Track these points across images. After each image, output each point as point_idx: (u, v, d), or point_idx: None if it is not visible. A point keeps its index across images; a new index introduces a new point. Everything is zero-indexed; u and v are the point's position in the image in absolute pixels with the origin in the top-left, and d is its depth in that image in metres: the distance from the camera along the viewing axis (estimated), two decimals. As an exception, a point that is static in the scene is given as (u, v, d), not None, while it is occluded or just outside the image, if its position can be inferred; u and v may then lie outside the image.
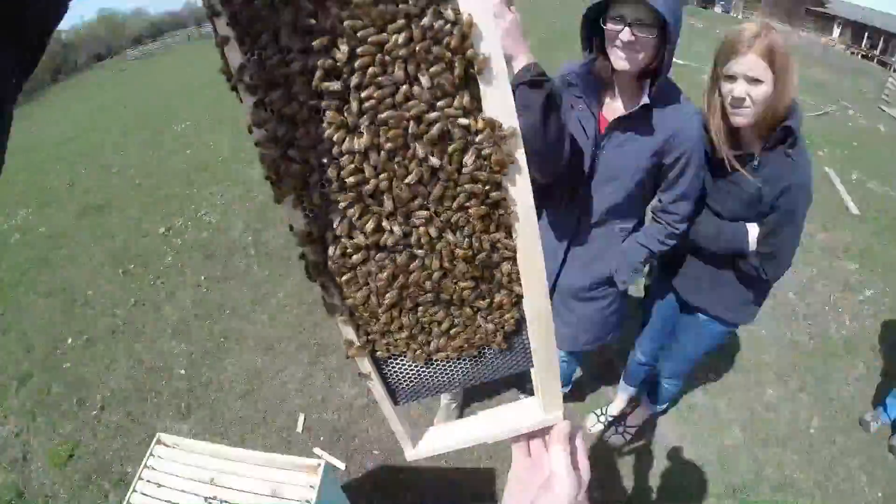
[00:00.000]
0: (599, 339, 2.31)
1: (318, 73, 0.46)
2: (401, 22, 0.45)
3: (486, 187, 0.51)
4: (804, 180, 1.80)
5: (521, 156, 0.50)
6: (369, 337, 0.62)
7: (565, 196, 1.95)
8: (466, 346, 0.62)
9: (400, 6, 0.44)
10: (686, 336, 2.49)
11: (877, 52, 30.52)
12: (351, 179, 0.50)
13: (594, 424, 3.15)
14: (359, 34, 0.45)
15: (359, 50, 0.45)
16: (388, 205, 0.51)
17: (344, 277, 0.57)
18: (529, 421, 0.66)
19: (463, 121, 0.48)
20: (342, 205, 0.52)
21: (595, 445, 3.11)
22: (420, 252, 0.55)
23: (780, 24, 28.57)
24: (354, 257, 0.55)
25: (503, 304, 0.59)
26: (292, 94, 0.47)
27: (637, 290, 2.10)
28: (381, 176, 0.50)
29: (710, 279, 2.17)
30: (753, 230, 1.91)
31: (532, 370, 0.65)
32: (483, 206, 0.52)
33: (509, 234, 0.54)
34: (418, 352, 0.62)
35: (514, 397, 3.19)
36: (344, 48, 0.45)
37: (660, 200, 1.91)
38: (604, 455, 3.09)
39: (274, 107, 0.47)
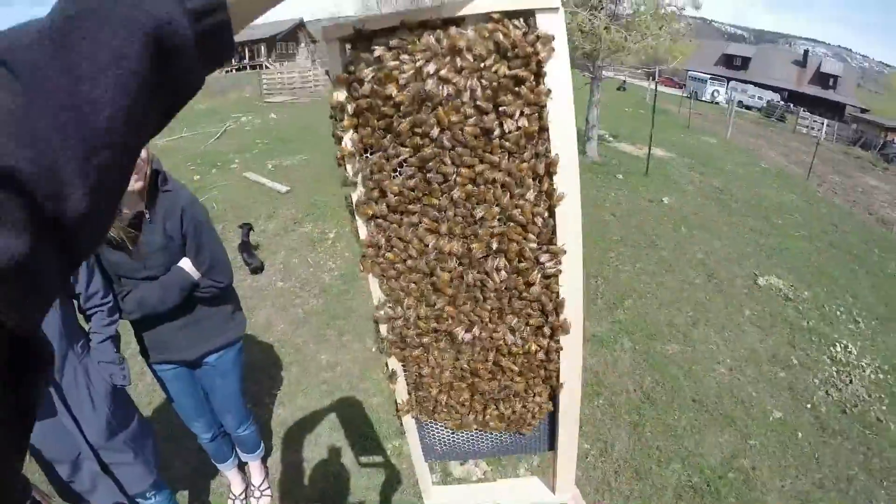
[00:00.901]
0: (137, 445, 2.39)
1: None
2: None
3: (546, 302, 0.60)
4: (189, 197, 2.21)
5: (577, 275, 0.59)
6: (420, 403, 0.72)
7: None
8: (501, 425, 0.72)
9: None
10: (217, 384, 2.65)
11: (248, 62, 40.20)
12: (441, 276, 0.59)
13: None
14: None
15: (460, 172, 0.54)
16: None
17: (413, 352, 0.66)
18: (544, 499, 0.75)
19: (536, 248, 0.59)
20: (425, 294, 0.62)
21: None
22: (478, 345, 0.64)
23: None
24: (424, 339, 0.64)
25: (541, 395, 0.68)
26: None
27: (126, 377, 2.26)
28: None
29: (190, 326, 2.38)
30: (185, 263, 2.22)
31: (556, 454, 0.74)
32: (538, 319, 0.61)
33: (556, 339, 0.63)
34: (457, 423, 0.72)
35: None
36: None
37: (78, 296, 2.09)
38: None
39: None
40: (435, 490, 0.82)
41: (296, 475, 3.43)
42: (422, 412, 0.73)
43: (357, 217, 0.60)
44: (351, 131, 0.56)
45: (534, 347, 0.63)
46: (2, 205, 0.32)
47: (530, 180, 0.53)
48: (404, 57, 0.50)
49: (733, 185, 11.40)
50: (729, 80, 41.22)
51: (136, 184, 1.96)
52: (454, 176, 0.54)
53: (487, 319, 0.61)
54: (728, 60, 50.49)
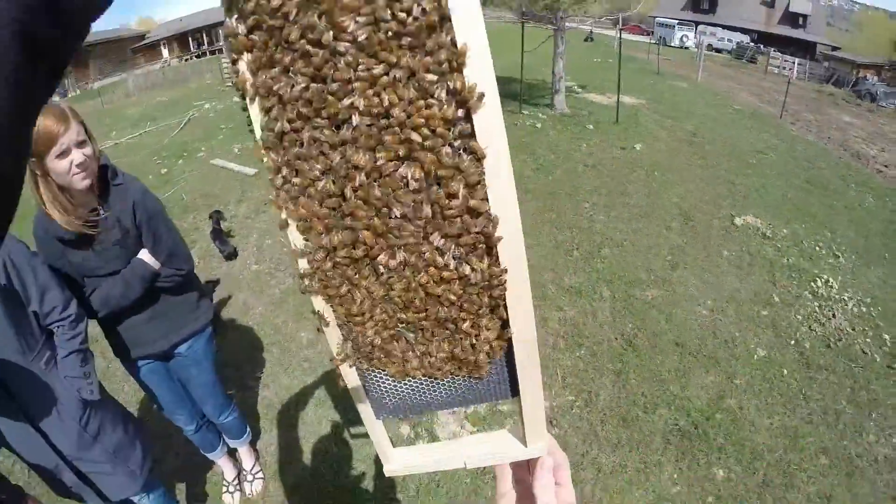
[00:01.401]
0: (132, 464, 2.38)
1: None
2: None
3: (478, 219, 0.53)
4: (140, 188, 2.22)
5: (509, 184, 0.52)
6: (356, 349, 0.66)
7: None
8: (448, 368, 0.65)
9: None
10: (192, 374, 2.66)
11: (207, 47, 41.61)
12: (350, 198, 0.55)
13: (231, 499, 3.18)
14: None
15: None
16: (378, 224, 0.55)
17: (339, 289, 0.61)
18: (514, 452, 0.69)
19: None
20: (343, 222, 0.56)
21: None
22: (407, 272, 0.58)
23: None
24: (348, 271, 0.59)
25: (490, 329, 0.61)
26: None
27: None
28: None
29: (157, 318, 2.40)
30: (144, 254, 2.23)
31: (521, 402, 0.67)
32: (472, 236, 0.54)
33: (497, 262, 0.55)
34: (399, 368, 0.66)
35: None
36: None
37: (36, 313, 2.02)
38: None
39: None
40: (395, 452, 0.77)
41: (287, 455, 3.40)
42: (360, 359, 0.67)
43: (260, 141, 0.56)
44: (245, 55, 0.53)
45: (468, 269, 0.55)
46: None
47: (434, 76, 0.48)
48: None
49: (706, 129, 11.42)
50: (697, 24, 41.12)
51: (83, 182, 1.95)
52: (353, 82, 0.49)
53: (412, 241, 0.56)
54: (695, 4, 50.25)
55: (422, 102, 0.49)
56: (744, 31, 42.17)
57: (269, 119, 0.54)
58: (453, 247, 0.55)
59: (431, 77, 0.48)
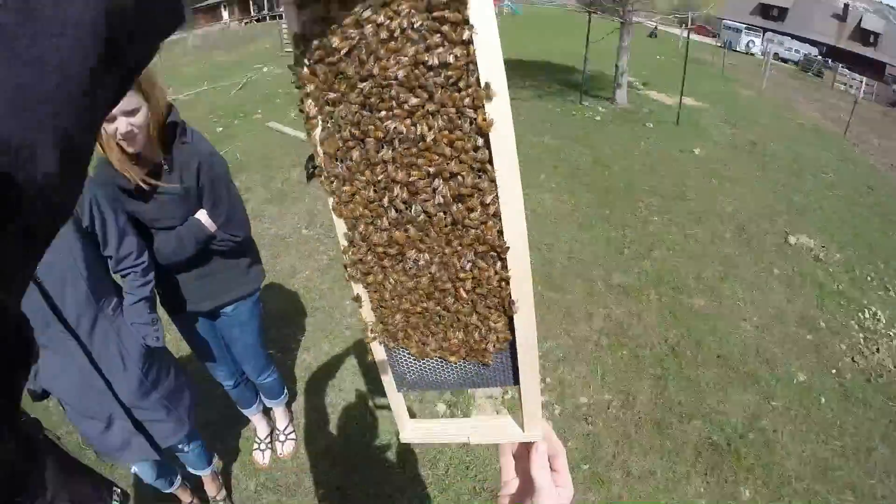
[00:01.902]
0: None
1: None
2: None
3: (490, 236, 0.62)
4: (208, 149, 2.18)
5: (518, 203, 0.60)
6: (385, 329, 0.75)
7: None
8: (461, 353, 0.73)
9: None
10: (235, 334, 2.65)
11: (268, 12, 40.90)
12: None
13: (262, 457, 3.18)
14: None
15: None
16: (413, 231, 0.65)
17: (375, 277, 0.70)
18: (512, 434, 0.77)
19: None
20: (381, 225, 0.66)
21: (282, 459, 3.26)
22: (431, 270, 0.67)
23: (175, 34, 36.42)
24: (384, 262, 0.69)
25: (497, 323, 0.68)
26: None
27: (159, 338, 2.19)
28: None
29: (205, 279, 2.37)
30: (202, 215, 2.19)
31: (520, 391, 0.75)
32: (485, 245, 0.63)
33: (504, 268, 0.64)
34: (419, 349, 0.75)
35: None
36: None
37: (109, 258, 2.03)
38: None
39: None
40: (410, 422, 0.86)
41: (320, 419, 3.40)
42: (388, 338, 0.77)
43: (322, 151, 0.65)
44: (309, 85, 0.61)
45: (480, 273, 0.65)
46: None
47: (455, 110, 0.57)
48: (344, 12, 0.56)
49: (767, 140, 10.98)
50: (765, 30, 39.57)
51: (129, 149, 1.93)
52: (394, 110, 0.58)
53: (435, 245, 0.65)
54: (764, 10, 48.34)
55: (448, 132, 0.57)
56: (812, 42, 40.48)
57: (326, 134, 0.64)
58: (469, 252, 0.64)
59: (458, 112, 0.56)
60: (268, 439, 3.21)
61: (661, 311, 4.67)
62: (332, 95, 0.60)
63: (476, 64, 0.54)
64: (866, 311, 5.30)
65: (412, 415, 0.86)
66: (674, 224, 6.27)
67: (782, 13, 47.50)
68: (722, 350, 4.30)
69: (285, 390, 3.17)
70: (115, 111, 1.80)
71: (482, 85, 0.54)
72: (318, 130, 0.64)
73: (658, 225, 6.21)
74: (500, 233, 0.62)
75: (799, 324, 4.88)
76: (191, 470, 2.73)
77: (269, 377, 2.95)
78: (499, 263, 0.64)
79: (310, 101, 0.62)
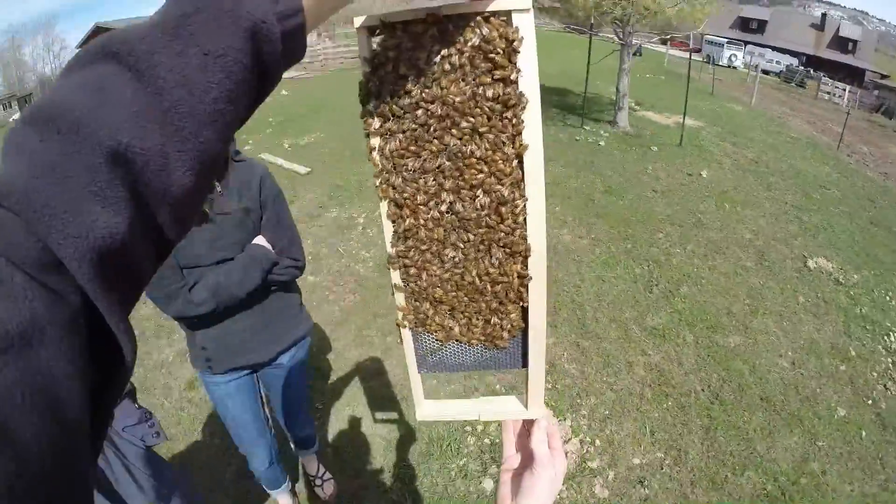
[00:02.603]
0: None
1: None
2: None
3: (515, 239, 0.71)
4: (265, 167, 2.02)
5: (541, 218, 0.71)
6: (416, 316, 0.82)
7: None
8: (481, 338, 0.79)
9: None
10: (288, 384, 2.35)
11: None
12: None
13: None
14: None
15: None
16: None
17: (411, 269, 0.78)
18: (517, 412, 0.83)
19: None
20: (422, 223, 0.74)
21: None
22: (464, 265, 0.75)
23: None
24: (425, 255, 0.76)
25: (514, 314, 0.76)
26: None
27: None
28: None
29: (262, 323, 2.09)
30: (261, 239, 1.96)
31: (528, 373, 0.80)
32: (511, 248, 0.72)
33: (525, 266, 0.72)
34: (445, 333, 0.81)
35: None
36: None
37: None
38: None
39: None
40: (426, 402, 0.89)
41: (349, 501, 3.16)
42: (417, 323, 0.82)
43: (379, 162, 0.72)
44: (372, 102, 0.69)
45: (505, 270, 0.73)
46: (111, 182, 0.34)
47: (499, 135, 0.66)
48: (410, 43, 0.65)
49: (767, 157, 10.83)
50: (745, 43, 39.69)
51: None
52: (450, 129, 0.67)
53: (470, 245, 0.73)
54: (743, 23, 48.59)
55: (492, 152, 0.66)
56: (792, 53, 40.68)
57: (385, 146, 0.70)
58: (499, 252, 0.72)
59: (502, 138, 0.66)
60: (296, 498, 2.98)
61: (699, 353, 4.47)
62: (393, 112, 0.67)
63: (520, 99, 0.63)
64: (891, 333, 5.13)
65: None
66: (696, 256, 6.09)
67: (761, 25, 47.85)
68: (764, 391, 4.10)
69: (317, 438, 2.93)
70: None
71: (521, 117, 0.65)
72: (378, 142, 0.71)
73: (681, 257, 6.02)
74: (525, 238, 0.71)
75: (831, 354, 4.70)
76: None
77: (310, 429, 2.74)
78: (520, 263, 0.72)
79: (374, 118, 0.69)
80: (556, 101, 13.86)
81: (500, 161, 0.67)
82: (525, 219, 0.70)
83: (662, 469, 3.41)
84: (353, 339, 4.43)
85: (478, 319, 0.79)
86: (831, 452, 3.68)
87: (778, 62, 36.47)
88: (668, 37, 16.34)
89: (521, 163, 0.67)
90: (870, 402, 4.20)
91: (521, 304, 0.76)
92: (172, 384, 3.93)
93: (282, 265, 2.02)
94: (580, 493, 3.21)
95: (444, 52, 0.63)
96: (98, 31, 45.18)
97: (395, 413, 3.68)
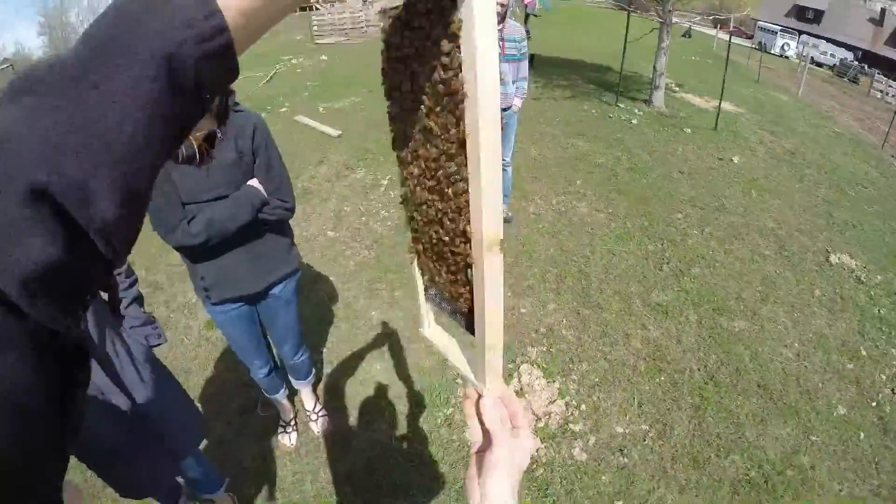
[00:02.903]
0: None
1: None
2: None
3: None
4: (259, 117, 2.22)
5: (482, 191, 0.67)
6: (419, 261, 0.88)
7: None
8: (449, 292, 0.83)
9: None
10: (280, 314, 2.62)
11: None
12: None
13: (289, 440, 3.18)
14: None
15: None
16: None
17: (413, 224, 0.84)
18: (470, 375, 0.83)
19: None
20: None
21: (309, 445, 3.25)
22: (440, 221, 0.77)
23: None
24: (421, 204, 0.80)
25: (461, 287, 0.79)
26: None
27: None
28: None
29: (255, 258, 2.32)
30: (254, 181, 2.17)
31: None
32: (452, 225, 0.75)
33: (467, 246, 0.73)
34: (427, 274, 0.88)
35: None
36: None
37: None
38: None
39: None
40: (434, 325, 0.94)
41: (340, 441, 3.26)
42: (416, 256, 0.88)
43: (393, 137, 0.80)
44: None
45: (452, 248, 0.76)
46: (37, 216, 0.36)
47: (450, 117, 0.66)
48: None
49: (805, 149, 10.45)
50: (800, 33, 38.21)
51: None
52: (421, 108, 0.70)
53: (442, 205, 0.75)
54: (799, 12, 46.70)
55: (442, 131, 0.69)
56: (848, 47, 39.06)
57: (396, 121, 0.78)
58: (449, 226, 0.74)
59: (449, 119, 0.67)
60: (293, 422, 3.20)
61: (701, 333, 4.38)
62: (396, 94, 0.74)
63: (460, 87, 0.63)
64: (907, 338, 4.96)
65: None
66: (713, 238, 5.93)
67: (818, 16, 45.92)
68: (763, 379, 4.01)
69: (313, 370, 3.17)
70: None
71: (461, 105, 0.64)
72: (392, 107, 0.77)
73: (698, 239, 5.87)
74: (468, 220, 0.71)
75: (840, 351, 4.56)
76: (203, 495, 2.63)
77: (303, 355, 2.98)
78: (462, 244, 0.73)
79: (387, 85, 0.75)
80: (594, 77, 13.55)
81: (446, 142, 0.69)
82: (468, 202, 0.70)
83: (645, 441, 3.38)
84: (363, 290, 4.56)
85: (445, 274, 0.82)
86: (825, 449, 3.59)
87: (833, 55, 35.09)
88: (720, 18, 15.81)
89: (462, 147, 0.67)
90: (874, 404, 4.07)
91: (468, 281, 0.78)
92: (192, 324, 4.19)
93: (272, 205, 2.24)
94: (559, 453, 3.20)
95: (413, 36, 0.67)
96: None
97: (394, 360, 3.79)
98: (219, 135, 1.95)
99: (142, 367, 1.92)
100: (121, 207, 0.40)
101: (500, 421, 0.75)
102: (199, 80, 0.42)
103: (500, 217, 0.69)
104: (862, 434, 3.76)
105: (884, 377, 4.38)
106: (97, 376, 1.75)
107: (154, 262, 4.97)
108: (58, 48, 48.24)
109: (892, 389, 4.27)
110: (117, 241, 0.42)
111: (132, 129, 0.39)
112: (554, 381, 3.71)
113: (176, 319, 4.23)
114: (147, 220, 1.97)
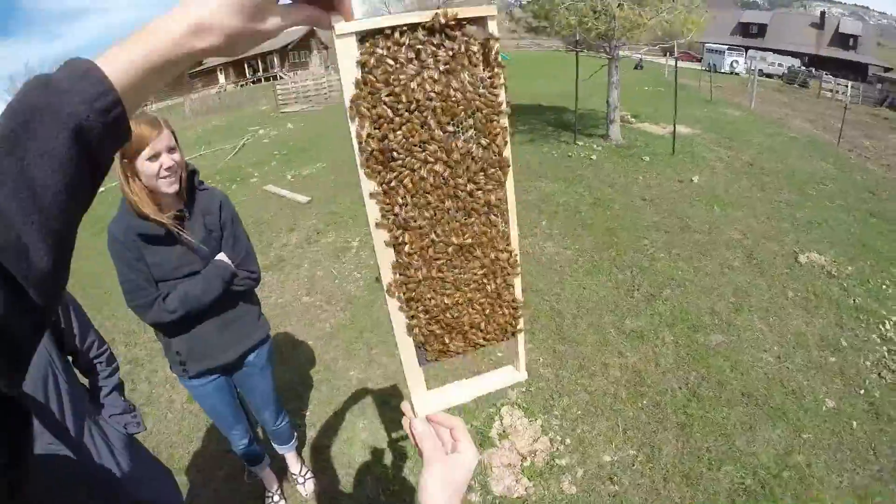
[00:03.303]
0: None
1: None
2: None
3: None
4: (223, 194, 2.34)
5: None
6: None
7: None
8: None
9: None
10: (256, 382, 2.65)
11: (262, 74, 41.73)
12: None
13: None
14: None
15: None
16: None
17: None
18: (507, 381, 0.92)
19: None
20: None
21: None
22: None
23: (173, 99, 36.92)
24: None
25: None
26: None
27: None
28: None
29: (228, 326, 2.39)
30: (222, 256, 2.26)
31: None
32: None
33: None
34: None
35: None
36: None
37: (73, 353, 1.99)
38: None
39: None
40: (428, 393, 0.89)
41: (328, 501, 3.26)
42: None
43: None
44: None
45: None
46: None
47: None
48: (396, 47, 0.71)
49: (763, 158, 10.79)
50: (747, 48, 39.65)
51: (171, 187, 2.02)
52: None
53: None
54: (744, 29, 48.61)
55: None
56: (794, 54, 40.50)
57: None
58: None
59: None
60: (278, 491, 3.18)
61: (678, 352, 4.45)
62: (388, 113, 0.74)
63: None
64: (887, 321, 5.03)
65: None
66: (681, 259, 6.08)
67: (762, 29, 47.75)
68: (746, 387, 4.07)
69: (295, 434, 3.17)
70: (158, 147, 1.95)
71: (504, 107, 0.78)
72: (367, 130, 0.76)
73: (666, 262, 6.02)
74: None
75: (820, 346, 4.64)
76: None
77: (284, 421, 2.98)
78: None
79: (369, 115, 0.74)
80: (552, 118, 14.02)
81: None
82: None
83: (634, 466, 3.40)
84: (341, 352, 4.62)
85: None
86: (818, 444, 3.62)
87: (780, 64, 36.36)
88: (668, 46, 16.39)
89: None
90: (862, 391, 4.13)
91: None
92: (175, 398, 4.21)
93: (240, 277, 2.33)
94: (548, 489, 3.22)
95: (440, 53, 0.72)
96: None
97: (375, 417, 3.82)
98: (186, 214, 2.12)
99: (120, 455, 1.89)
100: (55, 260, 0.47)
101: (433, 441, 0.79)
102: (100, 142, 0.51)
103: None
104: (854, 423, 3.80)
105: (868, 363, 4.45)
106: (75, 466, 1.75)
107: (133, 338, 5.03)
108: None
109: (879, 374, 4.33)
110: (50, 295, 0.48)
111: (56, 190, 0.47)
112: (536, 419, 3.75)
113: (158, 394, 4.25)
114: (122, 297, 2.13)
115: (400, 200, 0.75)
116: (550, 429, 3.66)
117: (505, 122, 0.77)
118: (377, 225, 0.76)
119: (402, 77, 0.70)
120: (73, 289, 6.57)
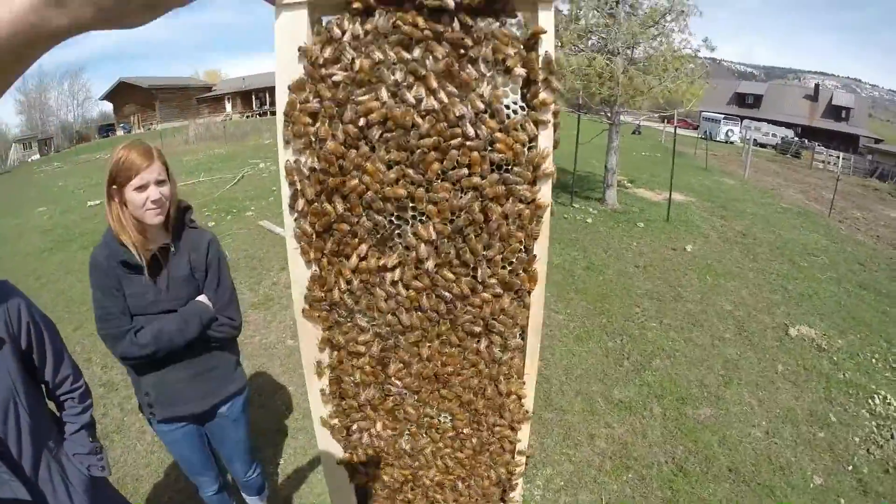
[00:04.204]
0: None
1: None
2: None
3: None
4: (213, 235, 2.28)
5: None
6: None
7: None
8: None
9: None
10: (228, 433, 2.53)
11: (269, 107, 39.82)
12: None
13: None
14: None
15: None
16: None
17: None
18: None
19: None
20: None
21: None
22: None
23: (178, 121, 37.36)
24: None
25: None
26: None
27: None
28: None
29: (201, 377, 2.27)
30: (203, 297, 2.18)
31: None
32: None
33: None
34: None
35: None
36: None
37: (46, 384, 1.93)
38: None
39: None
40: None
41: None
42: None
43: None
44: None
45: None
46: None
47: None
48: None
49: (756, 229, 10.98)
50: (742, 118, 40.65)
51: (155, 218, 1.97)
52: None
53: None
54: (740, 99, 49.98)
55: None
56: (788, 125, 41.48)
57: None
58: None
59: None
60: None
61: (666, 425, 4.44)
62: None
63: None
64: (876, 396, 5.04)
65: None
66: (672, 329, 6.11)
67: (757, 100, 49.02)
68: (733, 462, 4.04)
69: (266, 485, 3.01)
70: (147, 179, 1.91)
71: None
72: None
73: (657, 331, 6.05)
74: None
75: (809, 422, 4.62)
76: None
77: (255, 471, 2.83)
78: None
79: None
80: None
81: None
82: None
83: (618, 545, 3.35)
84: None
85: None
86: (806, 524, 3.58)
87: (774, 134, 37.21)
88: (667, 114, 16.82)
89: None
90: (850, 467, 4.11)
91: None
92: (147, 428, 3.99)
93: (219, 322, 2.23)
94: None
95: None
96: (122, 85, 47.29)
97: None
98: (172, 249, 2.10)
99: (77, 496, 1.85)
100: None
101: None
102: None
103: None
104: (842, 500, 3.77)
105: (857, 439, 4.43)
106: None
107: (111, 361, 4.81)
108: (35, 129, 48.69)
109: (868, 450, 4.31)
110: None
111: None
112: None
113: (130, 422, 4.10)
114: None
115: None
116: (531, 499, 3.62)
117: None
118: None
119: (374, 92, 0.44)
120: (57, 304, 6.48)
